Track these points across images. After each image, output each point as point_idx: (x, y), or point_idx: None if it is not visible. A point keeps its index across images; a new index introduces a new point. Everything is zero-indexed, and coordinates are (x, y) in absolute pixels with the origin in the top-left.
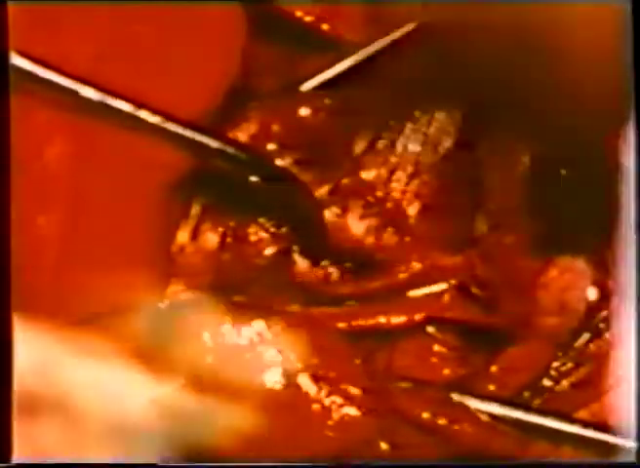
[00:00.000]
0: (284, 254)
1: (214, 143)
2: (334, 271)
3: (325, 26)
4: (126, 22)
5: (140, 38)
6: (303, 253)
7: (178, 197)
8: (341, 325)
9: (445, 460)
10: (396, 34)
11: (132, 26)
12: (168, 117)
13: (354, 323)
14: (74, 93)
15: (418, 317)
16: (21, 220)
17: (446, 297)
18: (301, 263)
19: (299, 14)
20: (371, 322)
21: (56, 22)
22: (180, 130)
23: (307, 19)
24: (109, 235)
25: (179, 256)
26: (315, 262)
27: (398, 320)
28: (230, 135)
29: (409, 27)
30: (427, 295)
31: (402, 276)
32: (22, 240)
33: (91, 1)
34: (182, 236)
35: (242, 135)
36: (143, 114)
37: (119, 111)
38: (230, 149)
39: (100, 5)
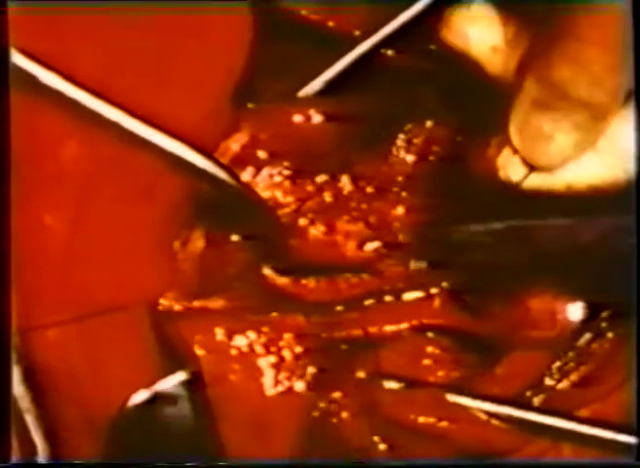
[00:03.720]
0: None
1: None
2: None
3: (331, 24)
4: (128, 24)
5: (144, 40)
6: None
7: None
8: (331, 332)
9: (445, 460)
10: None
11: (135, 28)
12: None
13: (344, 331)
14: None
15: (407, 325)
16: (26, 220)
17: (437, 303)
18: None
19: (304, 12)
20: (360, 331)
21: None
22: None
23: (313, 17)
24: (114, 234)
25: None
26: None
27: (388, 328)
28: (224, 144)
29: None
30: (418, 301)
31: (391, 283)
32: (26, 239)
33: (94, 1)
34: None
35: (235, 145)
36: (143, 131)
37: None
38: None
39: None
